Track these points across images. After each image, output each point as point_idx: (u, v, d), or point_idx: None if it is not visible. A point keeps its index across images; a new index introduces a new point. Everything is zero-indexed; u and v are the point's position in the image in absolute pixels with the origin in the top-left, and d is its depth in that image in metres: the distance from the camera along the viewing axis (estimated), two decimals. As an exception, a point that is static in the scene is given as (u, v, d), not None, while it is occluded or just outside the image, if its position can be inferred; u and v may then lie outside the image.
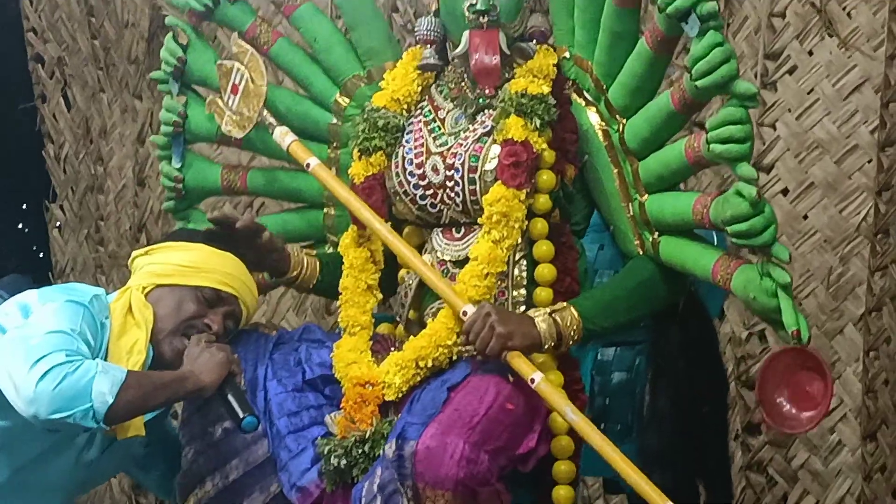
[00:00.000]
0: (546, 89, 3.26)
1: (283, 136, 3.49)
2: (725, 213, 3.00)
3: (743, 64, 4.93)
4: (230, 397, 3.11)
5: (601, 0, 3.22)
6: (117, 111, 6.98)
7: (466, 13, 3.26)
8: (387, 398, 3.17)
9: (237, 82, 3.55)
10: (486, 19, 3.25)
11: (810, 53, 4.82)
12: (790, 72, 4.85)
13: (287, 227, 3.74)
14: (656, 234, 3.26)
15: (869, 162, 4.71)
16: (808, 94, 4.81)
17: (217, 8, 3.66)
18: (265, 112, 3.52)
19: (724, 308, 4.64)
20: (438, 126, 3.37)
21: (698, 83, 2.97)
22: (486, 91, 3.31)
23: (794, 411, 3.03)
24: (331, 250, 3.64)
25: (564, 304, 3.18)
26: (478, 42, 3.26)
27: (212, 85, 3.68)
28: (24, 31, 7.40)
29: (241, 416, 3.08)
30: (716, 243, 3.24)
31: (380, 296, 3.40)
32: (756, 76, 4.88)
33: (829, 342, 4.78)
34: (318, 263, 3.49)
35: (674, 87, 3.13)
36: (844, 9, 4.75)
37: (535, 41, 3.34)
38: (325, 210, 3.66)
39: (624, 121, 3.27)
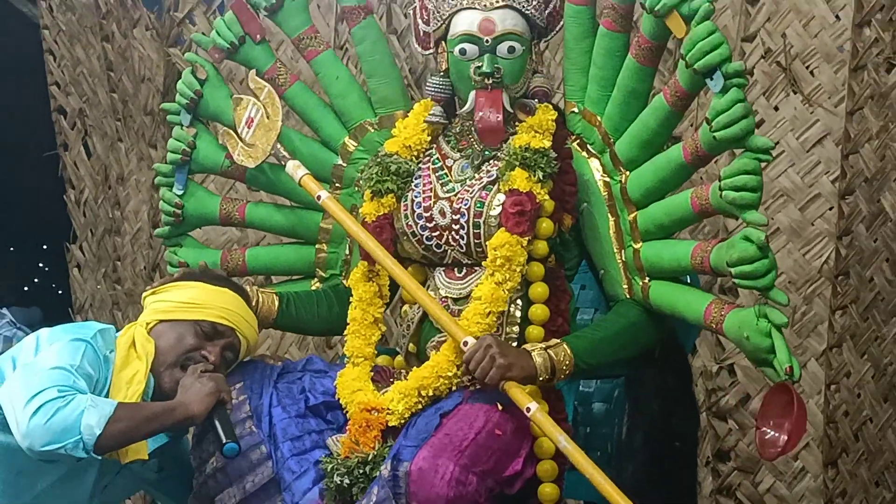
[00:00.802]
0: (547, 143, 3.28)
1: (296, 170, 3.49)
2: (731, 255, 3.01)
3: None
4: (216, 423, 3.12)
5: (620, 59, 3.25)
6: (134, 159, 6.99)
7: (473, 75, 3.30)
8: (390, 424, 3.17)
9: (252, 116, 3.54)
10: (490, 81, 3.29)
11: (776, 109, 4.84)
12: (758, 126, 4.81)
13: (279, 259, 3.76)
14: (647, 279, 3.27)
15: (830, 209, 4.74)
16: (774, 146, 4.83)
17: (241, 47, 3.65)
18: (278, 145, 3.51)
19: (695, 344, 4.65)
20: (446, 173, 3.38)
21: (717, 135, 3.00)
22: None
23: (776, 438, 3.04)
24: (316, 286, 3.65)
25: (559, 340, 3.19)
26: (483, 102, 3.30)
27: (225, 120, 3.64)
28: (47, 84, 7.43)
29: (224, 441, 3.09)
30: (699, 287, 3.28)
31: (384, 328, 3.41)
32: (726, 129, 4.91)
33: (793, 376, 4.80)
34: (276, 302, 3.48)
35: (686, 140, 3.15)
36: (808, 68, 4.78)
37: (537, 100, 3.36)
38: (318, 247, 3.65)
39: (627, 172, 3.28)
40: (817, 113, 4.76)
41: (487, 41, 3.30)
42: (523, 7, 3.32)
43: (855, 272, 4.66)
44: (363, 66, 3.64)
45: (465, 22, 3.32)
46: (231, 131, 3.58)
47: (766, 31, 4.84)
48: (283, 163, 3.51)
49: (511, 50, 3.30)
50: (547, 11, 3.38)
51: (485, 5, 3.31)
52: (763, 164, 3.01)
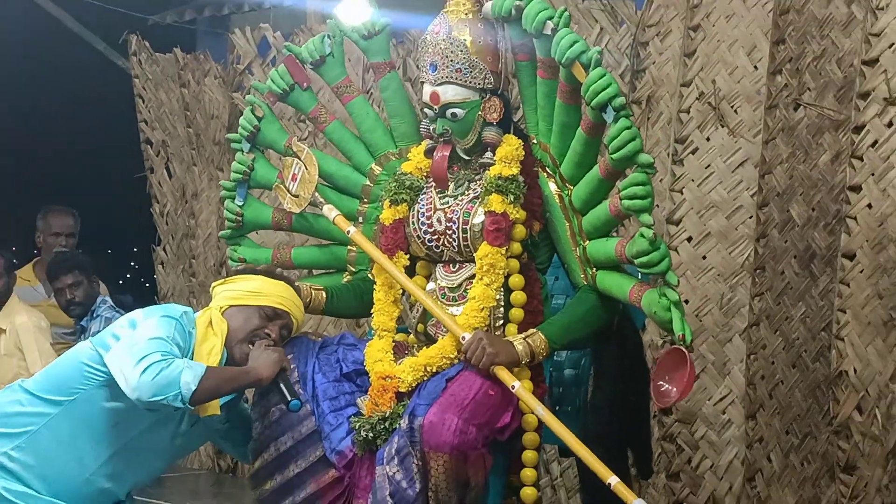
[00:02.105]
0: (516, 170, 3.27)
1: (330, 211, 3.51)
2: (633, 250, 3.02)
3: (659, 146, 4.97)
4: (281, 385, 3.13)
5: (554, 100, 3.24)
6: (205, 180, 7.00)
7: (432, 133, 3.34)
8: (401, 389, 3.17)
9: (296, 172, 3.55)
10: (442, 139, 3.32)
11: (708, 139, 4.85)
12: (693, 152, 4.87)
13: (319, 258, 3.74)
14: (595, 269, 3.26)
15: (750, 217, 4.75)
16: (706, 168, 4.84)
17: (291, 93, 3.66)
18: (316, 194, 3.53)
19: (645, 322, 4.65)
20: (443, 189, 3.38)
21: (614, 156, 2.99)
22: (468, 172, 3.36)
23: (670, 390, 3.02)
24: (347, 278, 3.64)
25: (535, 330, 3.17)
26: (436, 155, 3.34)
27: (277, 149, 3.67)
28: (137, 121, 7.45)
29: (289, 399, 3.11)
30: (639, 276, 3.26)
31: (402, 307, 3.41)
32: (668, 155, 4.91)
33: (721, 348, 4.80)
34: (324, 296, 3.47)
35: (600, 161, 3.14)
36: (732, 107, 4.78)
37: (489, 149, 3.34)
38: (348, 248, 3.65)
39: (571, 187, 3.27)
40: (740, 142, 4.77)
41: (436, 109, 3.30)
42: (462, 81, 3.28)
43: (769, 267, 4.66)
44: (386, 109, 3.64)
45: (425, 92, 3.33)
46: (281, 185, 3.60)
47: (700, 78, 4.84)
48: (320, 207, 3.53)
49: (453, 115, 3.29)
50: (486, 78, 3.29)
51: (432, 81, 3.30)
52: (651, 175, 3.00)
